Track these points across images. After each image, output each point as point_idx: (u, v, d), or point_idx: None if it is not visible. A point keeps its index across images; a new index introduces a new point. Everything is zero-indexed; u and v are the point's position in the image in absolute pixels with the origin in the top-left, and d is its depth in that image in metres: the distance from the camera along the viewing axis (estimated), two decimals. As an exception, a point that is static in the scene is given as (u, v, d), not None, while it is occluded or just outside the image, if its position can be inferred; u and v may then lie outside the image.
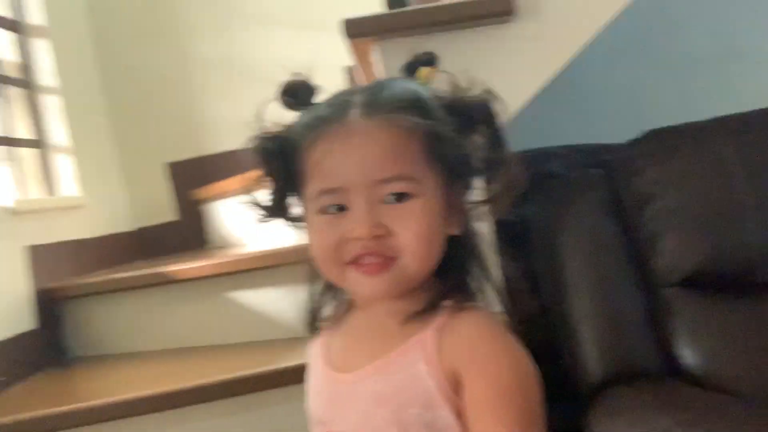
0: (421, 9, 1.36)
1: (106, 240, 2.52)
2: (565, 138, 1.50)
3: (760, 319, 1.17)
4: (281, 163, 0.76)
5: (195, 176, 2.72)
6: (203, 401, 1.47)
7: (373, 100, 0.72)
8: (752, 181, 1.21)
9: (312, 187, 0.73)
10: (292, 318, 1.07)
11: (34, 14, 2.47)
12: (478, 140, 0.75)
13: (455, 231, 0.75)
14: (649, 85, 1.85)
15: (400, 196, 0.70)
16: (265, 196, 0.79)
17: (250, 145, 0.78)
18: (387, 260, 0.70)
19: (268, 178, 0.78)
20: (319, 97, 0.79)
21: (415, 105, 0.73)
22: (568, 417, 1.09)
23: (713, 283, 1.21)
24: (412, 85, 0.76)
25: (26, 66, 2.38)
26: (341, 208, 0.71)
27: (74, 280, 2.08)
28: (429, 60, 0.79)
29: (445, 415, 0.69)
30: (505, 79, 1.33)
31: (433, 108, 0.73)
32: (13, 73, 2.32)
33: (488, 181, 0.76)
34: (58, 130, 2.45)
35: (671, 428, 0.96)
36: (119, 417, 1.46)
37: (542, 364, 0.71)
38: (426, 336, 0.71)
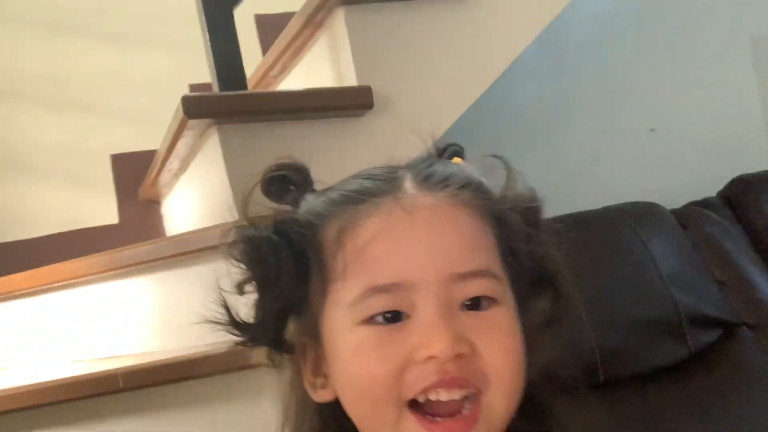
0: (273, 94, 1.30)
1: None
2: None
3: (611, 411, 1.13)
4: (287, 262, 0.54)
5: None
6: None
7: (429, 173, 0.55)
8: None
9: (353, 285, 0.51)
10: None
11: None
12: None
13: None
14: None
15: (479, 302, 0.51)
16: (244, 309, 0.58)
17: (231, 236, 0.56)
18: (470, 413, 0.50)
19: (261, 284, 0.55)
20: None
21: (478, 185, 0.55)
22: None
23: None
24: (461, 166, 0.58)
25: None
26: (395, 318, 0.50)
27: None
28: (459, 152, 0.61)
29: None
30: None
31: (493, 195, 0.57)
32: None
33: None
34: None
35: None
36: None
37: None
38: None
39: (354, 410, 0.53)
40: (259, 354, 1.07)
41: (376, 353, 0.50)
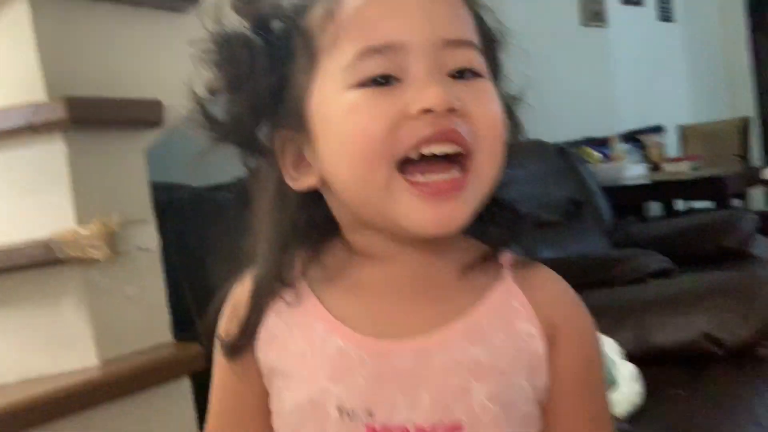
0: None
1: None
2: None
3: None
4: (260, 55, 0.52)
5: None
6: None
7: None
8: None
9: (347, 48, 0.50)
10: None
11: None
12: None
13: None
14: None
15: (464, 75, 0.51)
16: (220, 107, 0.54)
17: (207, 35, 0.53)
18: (460, 176, 0.50)
19: (233, 82, 0.53)
20: None
21: None
22: None
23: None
24: None
25: None
26: (386, 81, 0.50)
27: None
28: None
29: (540, 385, 0.55)
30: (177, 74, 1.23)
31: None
32: None
33: None
34: None
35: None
36: None
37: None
38: (511, 290, 0.55)
39: (345, 178, 0.52)
40: (69, 247, 1.01)
41: (370, 110, 0.49)
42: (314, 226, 0.57)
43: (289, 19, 0.54)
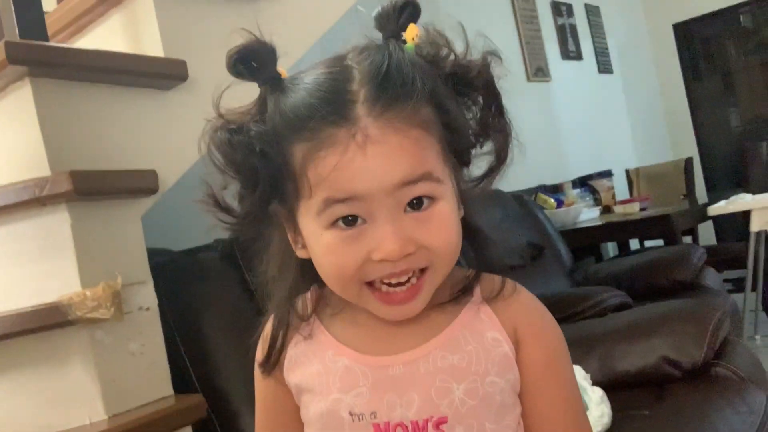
0: (103, 53, 1.28)
1: None
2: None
3: None
4: (261, 161, 0.62)
5: None
6: None
7: (380, 93, 0.59)
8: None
9: (317, 197, 0.61)
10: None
11: None
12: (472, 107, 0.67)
13: (461, 214, 0.67)
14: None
15: (422, 202, 0.61)
16: (231, 199, 0.65)
17: (208, 137, 0.63)
18: (416, 283, 0.63)
19: (239, 178, 0.64)
20: (281, 64, 0.65)
21: (430, 92, 0.61)
22: None
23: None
24: (415, 61, 0.62)
25: None
26: (354, 221, 0.61)
27: None
28: (414, 13, 0.65)
29: (511, 378, 0.67)
30: (166, 145, 1.33)
31: (445, 92, 0.64)
32: None
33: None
34: None
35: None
36: None
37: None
38: (478, 307, 0.68)
39: (328, 282, 0.66)
40: (78, 308, 1.08)
41: (342, 252, 0.62)
42: (316, 278, 0.69)
43: (273, 133, 0.63)
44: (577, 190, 3.76)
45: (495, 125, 0.66)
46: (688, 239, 3.74)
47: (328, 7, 1.62)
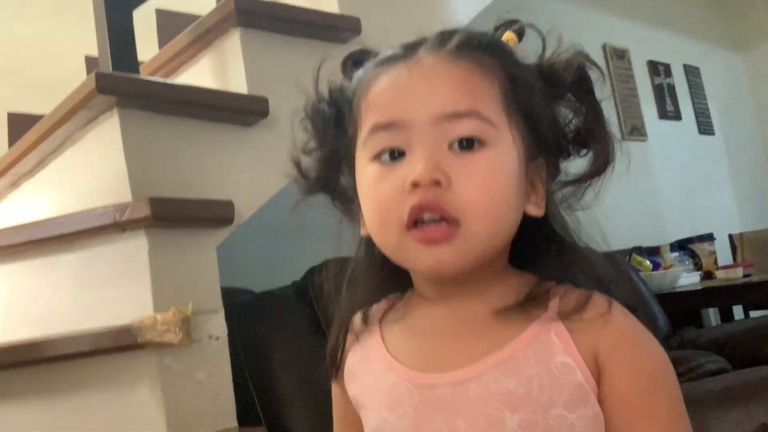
0: (191, 88, 1.33)
1: None
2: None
3: None
4: (335, 124, 0.66)
5: None
6: None
7: (446, 38, 0.61)
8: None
9: (365, 126, 0.61)
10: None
11: None
12: (567, 113, 0.64)
13: (535, 211, 0.62)
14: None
15: (471, 144, 0.57)
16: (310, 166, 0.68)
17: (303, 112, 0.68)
18: (451, 226, 0.57)
19: (319, 146, 0.67)
20: None
21: (495, 47, 0.62)
22: None
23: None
24: (492, 33, 0.65)
25: None
26: (399, 154, 0.59)
27: None
28: (519, 30, 0.67)
29: (588, 414, 0.57)
30: (244, 179, 1.35)
31: (516, 58, 0.63)
32: None
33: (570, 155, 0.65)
34: None
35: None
36: None
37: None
38: (550, 324, 0.59)
39: (377, 239, 0.62)
40: (148, 331, 1.09)
41: (381, 184, 0.59)
42: (396, 277, 0.67)
43: (345, 99, 0.67)
44: (676, 254, 3.58)
45: (594, 132, 0.62)
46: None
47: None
